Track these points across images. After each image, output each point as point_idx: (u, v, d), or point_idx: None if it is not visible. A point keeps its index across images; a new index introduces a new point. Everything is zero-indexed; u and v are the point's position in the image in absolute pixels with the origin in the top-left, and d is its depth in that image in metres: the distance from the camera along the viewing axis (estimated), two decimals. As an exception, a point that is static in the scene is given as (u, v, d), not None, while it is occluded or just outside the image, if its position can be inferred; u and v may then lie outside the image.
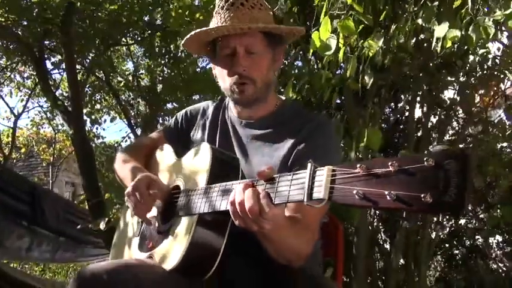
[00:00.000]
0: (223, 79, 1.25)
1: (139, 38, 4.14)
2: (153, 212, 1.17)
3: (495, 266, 2.87)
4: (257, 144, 1.28)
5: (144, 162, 1.46)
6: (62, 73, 4.06)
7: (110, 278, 0.98)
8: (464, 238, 3.02)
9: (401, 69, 1.77)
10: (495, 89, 2.57)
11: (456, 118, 2.65)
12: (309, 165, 0.80)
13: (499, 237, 3.08)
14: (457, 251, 3.16)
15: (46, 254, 3.44)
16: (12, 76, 5.10)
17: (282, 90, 1.88)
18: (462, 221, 3.01)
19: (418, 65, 1.81)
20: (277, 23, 1.35)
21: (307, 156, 1.10)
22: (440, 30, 1.44)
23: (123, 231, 1.43)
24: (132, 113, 4.69)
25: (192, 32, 1.27)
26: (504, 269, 3.72)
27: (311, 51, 1.56)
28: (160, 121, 4.65)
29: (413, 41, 1.67)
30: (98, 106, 4.70)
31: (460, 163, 0.60)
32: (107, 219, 2.35)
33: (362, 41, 1.58)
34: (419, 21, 1.65)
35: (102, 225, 2.31)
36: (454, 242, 3.10)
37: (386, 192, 0.64)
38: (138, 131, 4.75)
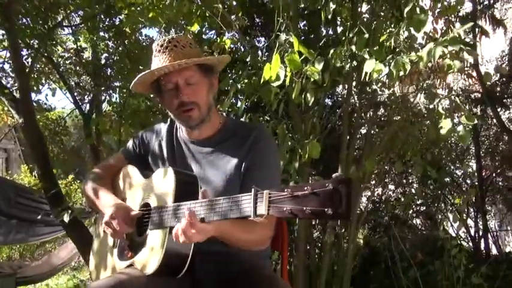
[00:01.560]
0: (171, 108, 1.45)
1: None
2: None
3: (410, 235, 3.44)
4: (210, 159, 1.50)
5: (111, 183, 1.66)
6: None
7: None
8: (385, 211, 3.57)
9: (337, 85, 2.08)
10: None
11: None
12: (253, 190, 1.08)
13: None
14: (380, 220, 3.73)
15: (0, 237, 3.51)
16: None
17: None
18: (383, 197, 3.56)
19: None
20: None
21: (254, 167, 1.40)
22: (369, 65, 1.74)
23: (102, 241, 1.63)
24: (77, 90, 4.58)
25: (139, 76, 1.47)
26: (422, 228, 4.43)
27: (263, 76, 1.79)
28: (107, 98, 4.56)
29: (348, 65, 1.95)
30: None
31: (347, 187, 0.92)
32: (70, 211, 2.49)
33: (305, 66, 1.85)
34: (353, 47, 1.95)
35: (66, 218, 2.45)
36: (378, 213, 3.65)
37: (304, 208, 0.94)
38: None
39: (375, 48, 1.76)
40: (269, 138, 1.54)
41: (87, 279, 5.45)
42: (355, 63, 1.97)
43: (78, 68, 4.82)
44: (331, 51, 1.97)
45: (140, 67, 4.06)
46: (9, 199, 3.46)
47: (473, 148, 5.19)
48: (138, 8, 2.92)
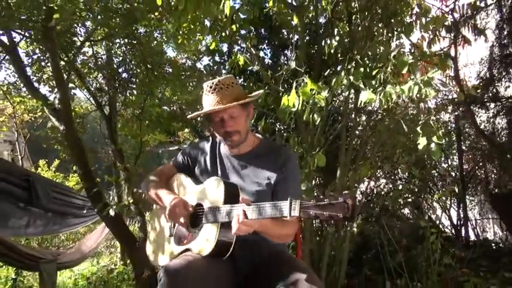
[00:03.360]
0: (219, 133, 1.95)
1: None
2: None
3: (398, 224, 3.97)
4: (246, 171, 2.00)
5: (166, 185, 2.16)
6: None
7: (183, 269, 1.69)
8: (377, 203, 4.10)
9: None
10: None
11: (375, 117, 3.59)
12: (289, 199, 1.57)
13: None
14: (372, 211, 4.26)
15: (39, 228, 3.97)
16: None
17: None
18: (375, 190, 4.08)
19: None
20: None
21: (285, 180, 1.91)
22: (364, 95, 2.24)
23: (159, 233, 2.12)
24: (99, 94, 5.00)
25: (197, 113, 1.97)
26: (410, 216, 4.93)
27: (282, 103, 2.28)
28: (123, 99, 4.95)
29: (347, 93, 2.45)
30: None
31: (352, 200, 1.42)
32: (114, 206, 2.98)
33: (313, 94, 2.34)
34: (351, 78, 2.44)
35: (112, 212, 2.93)
36: (370, 205, 4.17)
37: (324, 213, 1.44)
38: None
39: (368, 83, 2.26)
40: (295, 158, 2.03)
41: (106, 265, 5.98)
42: (352, 91, 2.47)
43: (95, 72, 5.25)
44: (334, 80, 2.46)
45: (155, 73, 4.51)
46: (47, 194, 3.94)
47: (456, 144, 5.73)
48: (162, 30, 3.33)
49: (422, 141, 2.21)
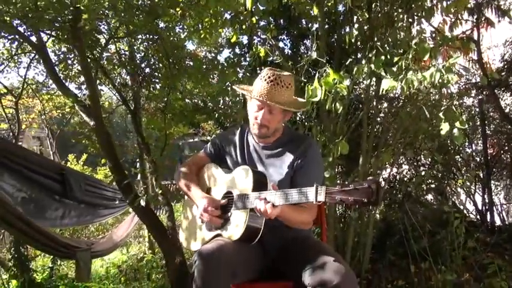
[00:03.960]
0: (250, 118, 2.03)
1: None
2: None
3: (422, 210, 3.99)
4: (271, 160, 2.09)
5: (197, 177, 2.25)
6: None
7: (216, 252, 1.79)
8: (400, 189, 4.12)
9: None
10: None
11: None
12: (315, 185, 1.65)
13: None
14: (395, 197, 4.28)
15: (74, 219, 4.18)
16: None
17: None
18: (398, 177, 4.11)
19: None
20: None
21: (303, 168, 1.98)
22: (386, 83, 2.28)
23: (191, 221, 2.23)
24: (124, 90, 5.14)
25: (243, 86, 2.07)
26: (434, 202, 4.93)
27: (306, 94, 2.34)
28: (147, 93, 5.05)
29: (368, 81, 2.49)
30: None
31: (377, 185, 1.47)
32: (145, 197, 3.12)
33: (335, 84, 2.39)
34: (372, 66, 2.48)
35: (142, 202, 3.08)
36: (393, 191, 4.20)
37: (349, 198, 1.50)
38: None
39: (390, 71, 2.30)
40: (317, 146, 2.10)
41: (136, 254, 6.21)
42: (374, 79, 2.51)
43: (119, 68, 5.39)
44: (355, 68, 2.51)
45: (177, 67, 4.60)
46: (80, 187, 4.14)
47: (480, 128, 5.64)
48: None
49: (444, 127, 2.24)
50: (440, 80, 2.12)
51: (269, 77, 1.93)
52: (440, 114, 2.30)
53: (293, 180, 2.01)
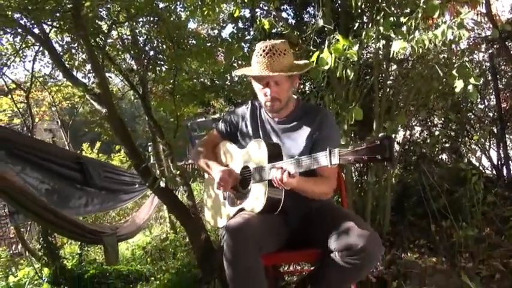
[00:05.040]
0: (260, 96, 2.03)
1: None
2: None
3: (437, 169, 3.99)
4: (287, 133, 2.10)
5: (213, 153, 2.29)
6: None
7: (242, 225, 1.85)
8: (414, 151, 4.12)
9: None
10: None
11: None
12: (328, 148, 1.65)
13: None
14: (410, 159, 4.28)
15: (97, 206, 4.29)
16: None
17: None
18: (411, 139, 4.10)
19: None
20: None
21: (322, 139, 1.99)
22: (396, 45, 2.24)
23: (214, 199, 2.28)
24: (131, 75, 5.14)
25: (243, 69, 2.05)
26: (448, 162, 4.93)
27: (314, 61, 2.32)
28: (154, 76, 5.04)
29: (377, 44, 2.45)
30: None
31: (389, 140, 1.46)
32: (164, 179, 3.18)
33: (345, 50, 2.37)
34: (381, 28, 2.44)
35: (162, 184, 3.14)
36: (408, 153, 4.20)
37: (363, 157, 1.51)
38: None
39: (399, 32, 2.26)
40: (332, 117, 2.10)
41: (158, 234, 6.38)
42: (383, 42, 2.47)
43: (123, 53, 5.37)
44: (363, 33, 2.47)
45: (180, 47, 4.57)
46: (99, 174, 4.22)
47: (492, 83, 5.55)
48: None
49: (459, 84, 2.22)
50: (452, 37, 2.08)
51: (263, 51, 1.92)
52: (454, 72, 2.28)
53: (313, 151, 2.02)
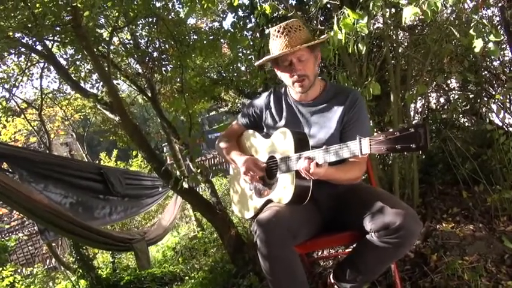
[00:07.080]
0: (287, 79, 1.96)
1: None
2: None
3: (460, 134, 3.86)
4: (315, 117, 2.02)
5: (237, 144, 2.25)
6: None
7: (273, 218, 1.81)
8: (434, 118, 4.00)
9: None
10: None
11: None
12: (358, 137, 1.60)
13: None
14: (431, 127, 4.16)
15: (121, 214, 4.33)
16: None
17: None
18: (433, 106, 3.98)
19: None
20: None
21: (353, 122, 1.91)
22: (407, 11, 2.14)
23: (241, 193, 2.25)
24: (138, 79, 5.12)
25: (265, 58, 1.98)
26: (469, 125, 4.79)
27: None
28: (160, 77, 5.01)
29: (387, 14, 2.35)
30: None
31: (423, 128, 1.37)
32: (186, 179, 3.16)
33: (354, 24, 2.27)
34: (390, -4, 2.34)
35: (185, 184, 3.12)
36: (428, 121, 4.08)
37: (396, 146, 1.42)
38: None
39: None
40: (362, 99, 2.01)
41: (186, 233, 6.42)
42: (393, 10, 2.37)
43: (127, 58, 5.34)
44: (371, 3, 2.37)
45: (184, 45, 4.51)
46: (120, 182, 4.24)
47: (506, 37, 5.34)
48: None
49: (478, 43, 2.11)
50: (465, -5, 1.97)
51: (278, 31, 1.88)
52: (471, 31, 2.17)
53: (344, 134, 1.95)
